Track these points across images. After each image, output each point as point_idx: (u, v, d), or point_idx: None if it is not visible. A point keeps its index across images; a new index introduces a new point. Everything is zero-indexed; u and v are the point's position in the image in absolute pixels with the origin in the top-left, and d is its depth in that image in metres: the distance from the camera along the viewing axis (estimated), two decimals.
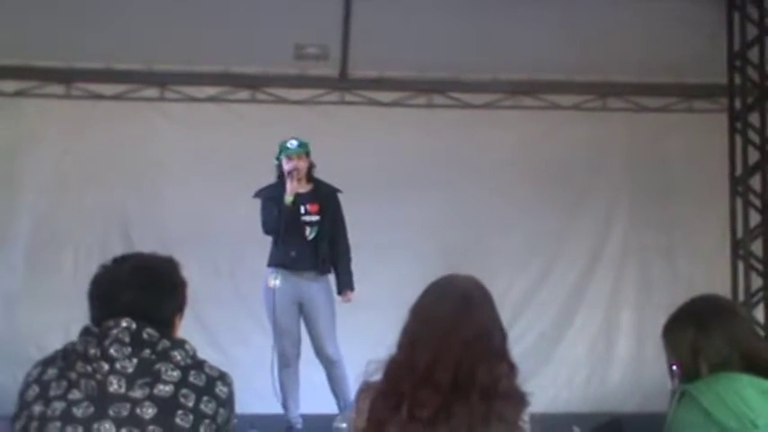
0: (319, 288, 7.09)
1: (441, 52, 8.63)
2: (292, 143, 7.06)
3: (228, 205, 8.65)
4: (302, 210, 7.01)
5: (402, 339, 2.63)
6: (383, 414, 2.55)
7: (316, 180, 7.19)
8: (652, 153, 9.29)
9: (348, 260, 7.21)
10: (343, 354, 7.07)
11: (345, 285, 7.16)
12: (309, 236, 7.02)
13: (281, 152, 7.08)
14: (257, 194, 7.13)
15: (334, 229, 7.14)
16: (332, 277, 7.21)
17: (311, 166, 7.15)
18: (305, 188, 7.07)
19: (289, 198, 6.91)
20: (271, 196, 7.05)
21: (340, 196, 7.24)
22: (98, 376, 2.56)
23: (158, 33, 8.37)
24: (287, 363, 7.08)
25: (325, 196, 7.15)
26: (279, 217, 6.93)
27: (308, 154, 7.13)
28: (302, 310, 7.07)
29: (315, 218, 7.04)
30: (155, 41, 8.48)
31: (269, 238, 7.19)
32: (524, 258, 9.16)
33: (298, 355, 7.11)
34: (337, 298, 7.18)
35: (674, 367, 3.00)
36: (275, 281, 6.95)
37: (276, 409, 7.22)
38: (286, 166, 7.01)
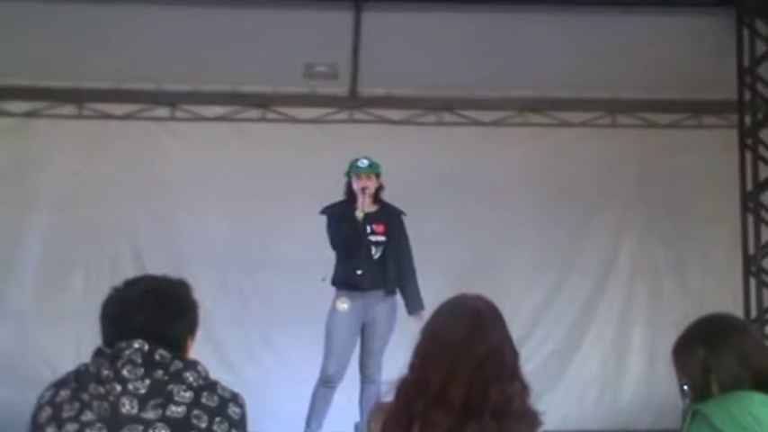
0: (385, 309, 7.10)
1: (450, 70, 8.64)
2: (363, 162, 7.14)
3: (239, 224, 8.67)
4: (368, 229, 7.04)
5: (414, 360, 2.63)
6: None
7: (382, 201, 7.22)
8: (662, 169, 9.27)
9: (415, 280, 7.22)
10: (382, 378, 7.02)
11: (416, 305, 7.12)
12: (375, 255, 7.06)
13: (350, 169, 7.14)
14: (324, 211, 7.16)
15: (400, 250, 7.18)
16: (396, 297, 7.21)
17: (380, 188, 7.18)
18: (371, 208, 7.11)
19: (360, 214, 6.96)
20: (338, 213, 7.09)
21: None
22: (111, 398, 2.56)
23: (168, 53, 8.40)
24: (326, 384, 7.05)
25: (390, 217, 7.20)
26: (350, 235, 6.96)
27: (378, 175, 7.18)
28: (363, 329, 7.09)
29: (381, 238, 7.09)
30: (164, 61, 8.51)
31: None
32: (534, 276, 9.13)
33: (341, 379, 7.09)
34: (409, 318, 7.13)
35: (686, 387, 3.00)
36: (344, 305, 6.95)
37: (289, 428, 7.20)
38: (355, 185, 7.06)
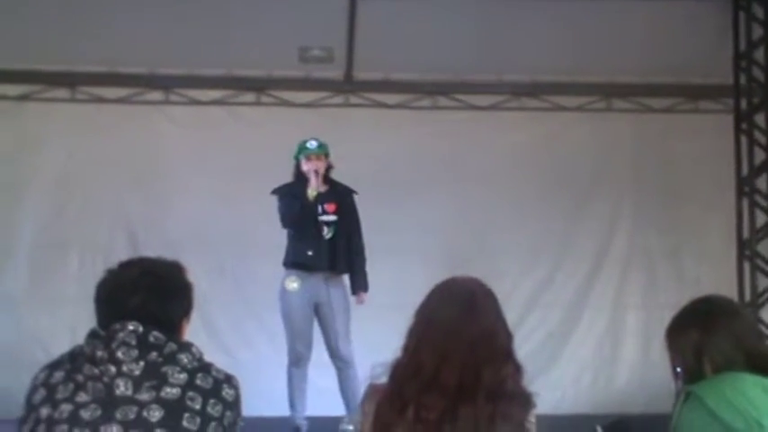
0: (336, 290, 7.11)
1: (445, 54, 8.62)
2: (312, 144, 7.12)
3: (233, 208, 8.66)
4: (320, 209, 7.03)
5: (407, 342, 2.64)
6: (389, 417, 2.55)
7: (332, 181, 7.21)
8: (657, 154, 9.28)
9: (363, 261, 7.24)
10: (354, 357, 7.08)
11: (360, 286, 7.19)
12: (327, 235, 7.05)
13: (299, 152, 7.13)
14: (275, 191, 7.16)
15: (351, 230, 7.19)
16: (346, 277, 7.25)
17: (329, 168, 7.18)
18: (322, 188, 7.09)
19: (312, 192, 6.94)
20: (290, 193, 7.09)
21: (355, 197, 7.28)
22: (105, 379, 2.57)
23: (162, 37, 8.37)
24: (297, 364, 7.10)
25: (341, 196, 7.19)
26: (300, 211, 6.96)
27: (326, 155, 7.17)
28: (318, 311, 7.08)
29: (332, 218, 7.08)
30: (158, 45, 8.48)
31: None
32: (530, 260, 9.15)
33: (309, 358, 7.13)
34: (351, 298, 7.20)
35: (678, 369, 3.00)
36: (294, 284, 6.97)
37: (282, 411, 7.23)
38: (304, 167, 7.05)
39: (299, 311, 7.02)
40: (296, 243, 7.08)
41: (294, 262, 7.07)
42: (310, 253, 6.99)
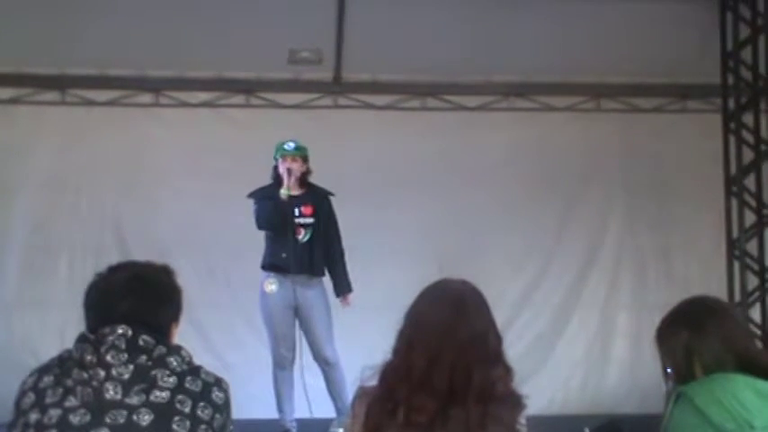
0: (314, 292, 7.10)
1: (434, 55, 8.62)
2: (289, 145, 7.13)
3: (223, 210, 8.64)
4: (296, 212, 7.02)
5: (397, 344, 2.64)
6: (380, 419, 2.55)
7: (309, 184, 7.21)
8: (646, 154, 9.29)
9: (344, 263, 7.24)
10: (339, 357, 7.09)
11: (344, 288, 7.19)
12: (303, 238, 7.04)
13: (276, 153, 7.13)
14: (251, 195, 7.16)
15: (328, 232, 7.18)
16: (325, 280, 7.23)
17: (307, 172, 7.17)
18: (298, 191, 7.08)
19: (285, 192, 6.94)
20: (266, 195, 7.09)
21: (333, 199, 7.26)
22: (94, 383, 2.56)
23: (151, 39, 8.35)
24: (282, 366, 7.10)
25: (318, 199, 7.18)
26: (275, 212, 6.94)
27: (305, 159, 7.16)
28: (297, 314, 7.07)
29: (309, 220, 7.07)
30: (148, 47, 8.46)
31: (263, 243, 7.19)
32: (520, 260, 9.15)
33: (293, 360, 7.12)
34: (336, 301, 7.20)
35: (669, 369, 3.01)
36: (272, 286, 6.96)
37: (272, 414, 7.22)
38: (280, 167, 7.05)
39: (279, 314, 7.02)
40: (271, 245, 7.10)
41: (270, 264, 7.08)
42: (284, 255, 6.98)
